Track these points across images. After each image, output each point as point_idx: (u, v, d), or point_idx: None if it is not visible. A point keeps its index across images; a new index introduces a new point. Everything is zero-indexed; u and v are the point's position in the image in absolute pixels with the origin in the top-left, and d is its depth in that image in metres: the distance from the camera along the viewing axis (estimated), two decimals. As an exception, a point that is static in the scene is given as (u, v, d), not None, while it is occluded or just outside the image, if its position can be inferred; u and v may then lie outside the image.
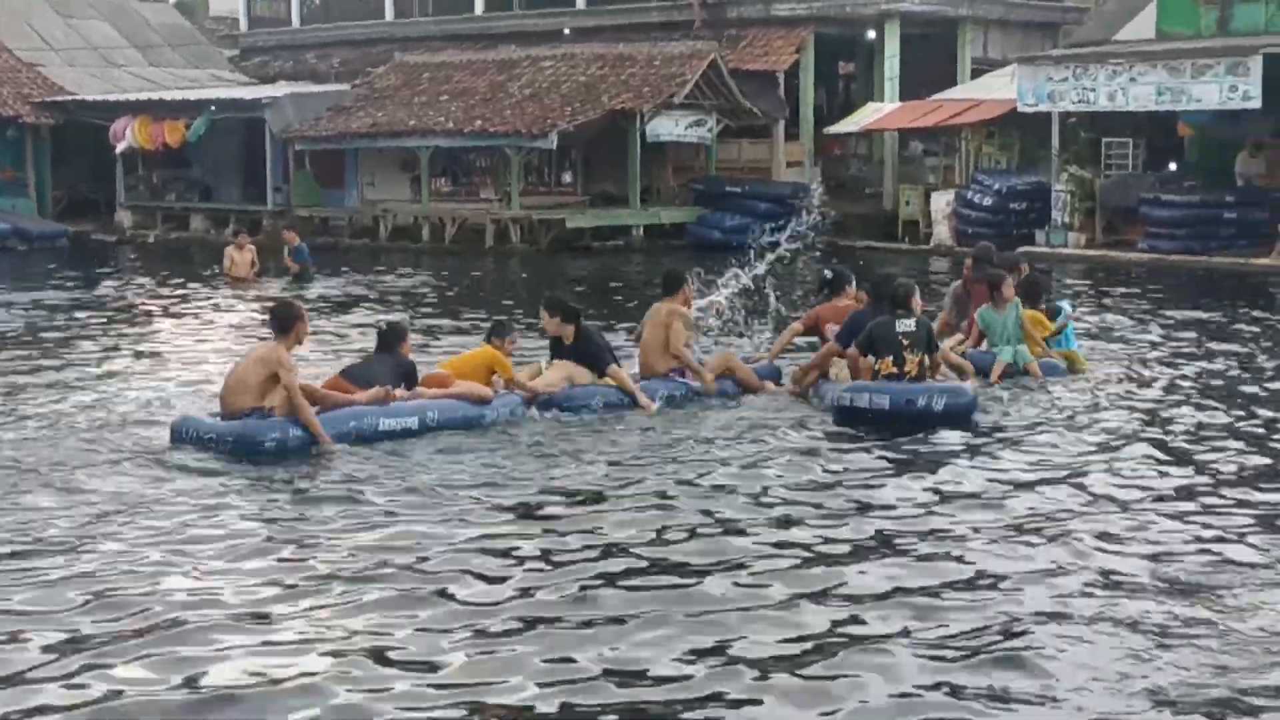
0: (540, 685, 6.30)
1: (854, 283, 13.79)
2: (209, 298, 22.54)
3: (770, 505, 9.35)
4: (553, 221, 32.07)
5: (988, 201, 29.54)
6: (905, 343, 12.07)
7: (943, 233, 30.33)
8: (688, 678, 6.37)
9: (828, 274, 14.13)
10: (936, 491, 9.63)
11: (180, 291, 23.41)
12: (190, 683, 6.32)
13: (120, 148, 36.60)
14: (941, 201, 30.92)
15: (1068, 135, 29.53)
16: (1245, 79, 26.03)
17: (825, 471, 10.25)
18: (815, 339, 13.81)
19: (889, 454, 10.80)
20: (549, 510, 9.24)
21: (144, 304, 21.93)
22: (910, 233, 31.68)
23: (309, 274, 24.18)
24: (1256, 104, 26.10)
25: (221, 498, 9.55)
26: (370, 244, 33.04)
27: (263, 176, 36.11)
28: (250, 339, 16.75)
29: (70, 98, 37.81)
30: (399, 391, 11.54)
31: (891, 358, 12.03)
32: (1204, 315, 19.58)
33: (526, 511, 9.21)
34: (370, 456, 10.64)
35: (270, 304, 14.05)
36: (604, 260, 29.86)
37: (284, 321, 11.13)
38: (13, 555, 8.18)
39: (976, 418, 11.81)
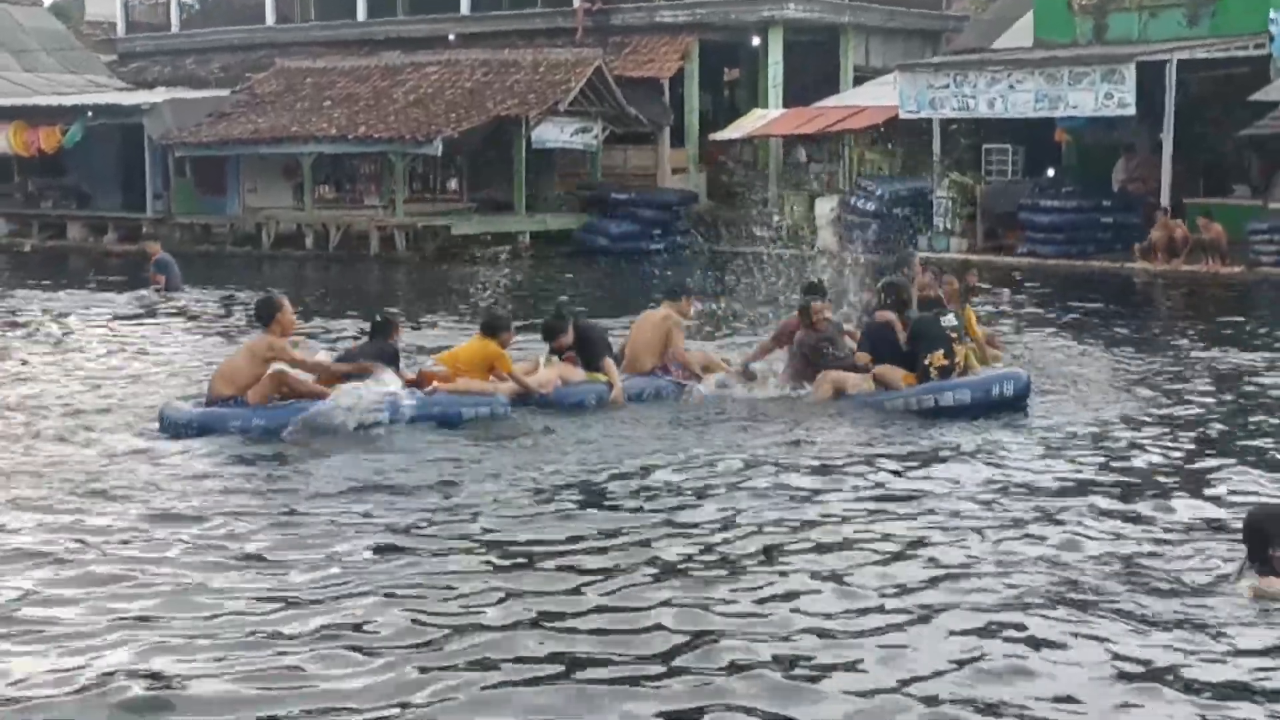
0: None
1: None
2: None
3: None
4: (438, 228, 31.88)
5: (871, 207, 29.80)
6: (953, 336, 12.52)
7: (827, 238, 30.53)
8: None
9: (815, 283, 14.27)
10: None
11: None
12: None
13: (-7, 154, 35.90)
14: (826, 207, 31.18)
15: (949, 142, 29.91)
16: (1120, 86, 26.52)
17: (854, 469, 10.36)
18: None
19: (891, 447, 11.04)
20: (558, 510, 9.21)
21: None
22: (795, 238, 31.87)
23: (176, 287, 23.25)
24: (1131, 111, 26.59)
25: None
26: (253, 252, 32.62)
27: (142, 183, 35.52)
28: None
29: (-59, 103, 36.97)
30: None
31: (942, 350, 12.33)
32: (1081, 315, 20.04)
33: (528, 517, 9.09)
34: (353, 450, 10.82)
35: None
36: (490, 267, 29.73)
37: (265, 314, 11.68)
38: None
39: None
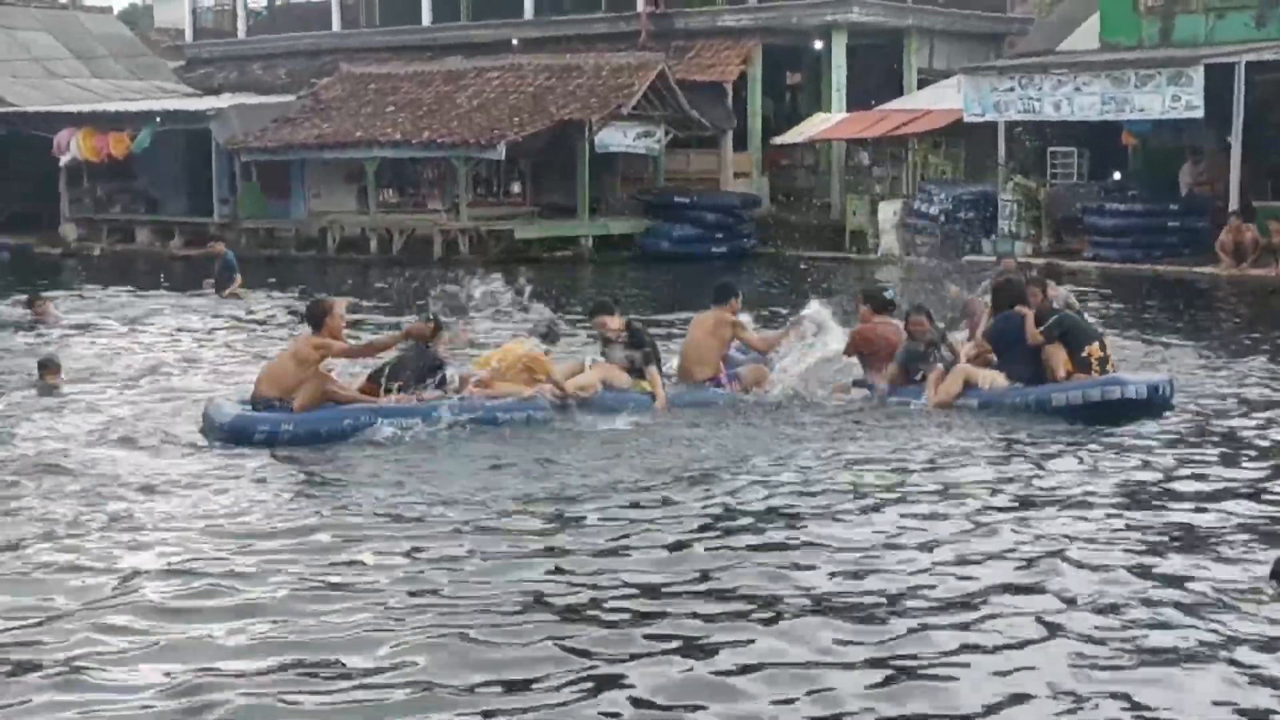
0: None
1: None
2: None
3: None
4: (501, 232, 32.00)
5: (935, 211, 29.67)
6: (1100, 330, 12.86)
7: (890, 242, 30.45)
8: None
9: (887, 293, 14.02)
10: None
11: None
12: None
13: (64, 160, 36.28)
14: (889, 211, 31.05)
15: (1013, 145, 29.71)
16: (1188, 89, 26.26)
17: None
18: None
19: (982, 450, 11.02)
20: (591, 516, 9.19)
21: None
22: (858, 243, 31.75)
23: (226, 286, 23.21)
24: (1199, 113, 26.31)
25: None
26: (317, 255, 32.85)
27: (209, 188, 35.86)
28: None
29: (11, 109, 37.43)
30: (429, 394, 11.82)
31: (1097, 343, 12.48)
32: (1154, 318, 19.89)
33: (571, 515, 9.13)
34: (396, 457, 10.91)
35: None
36: (553, 271, 29.75)
37: (315, 318, 11.77)
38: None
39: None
